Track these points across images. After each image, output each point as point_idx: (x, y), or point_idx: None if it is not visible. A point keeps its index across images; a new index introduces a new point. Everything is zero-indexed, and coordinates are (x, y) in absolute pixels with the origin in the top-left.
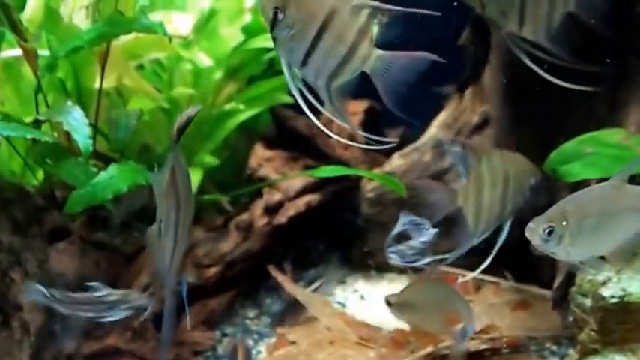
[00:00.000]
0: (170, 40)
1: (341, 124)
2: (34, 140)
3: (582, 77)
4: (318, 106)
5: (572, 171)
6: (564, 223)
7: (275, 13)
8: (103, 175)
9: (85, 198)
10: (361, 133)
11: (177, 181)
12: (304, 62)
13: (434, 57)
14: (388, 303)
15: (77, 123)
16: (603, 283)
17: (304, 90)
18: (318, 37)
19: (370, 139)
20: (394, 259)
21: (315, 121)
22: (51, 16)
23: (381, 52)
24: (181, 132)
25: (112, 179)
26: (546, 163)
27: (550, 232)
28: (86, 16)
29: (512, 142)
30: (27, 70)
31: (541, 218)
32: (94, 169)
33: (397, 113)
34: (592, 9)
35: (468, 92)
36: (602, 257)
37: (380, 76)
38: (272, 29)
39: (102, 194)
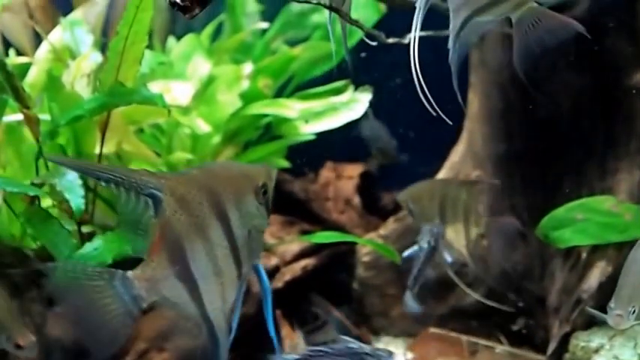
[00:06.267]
0: (169, 111)
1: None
2: (31, 203)
3: (575, 143)
4: None
5: (563, 237)
6: None
7: None
8: (88, 247)
9: None
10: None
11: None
12: None
13: (582, 29)
14: None
15: (70, 184)
16: (596, 351)
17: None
18: None
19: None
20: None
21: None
22: (53, 83)
23: (535, 5)
24: None
25: (97, 251)
26: (538, 228)
27: None
28: (87, 84)
29: (506, 207)
30: (28, 133)
31: None
32: (74, 240)
33: (520, 74)
34: None
35: (463, 157)
36: None
37: (522, 28)
38: None
39: None
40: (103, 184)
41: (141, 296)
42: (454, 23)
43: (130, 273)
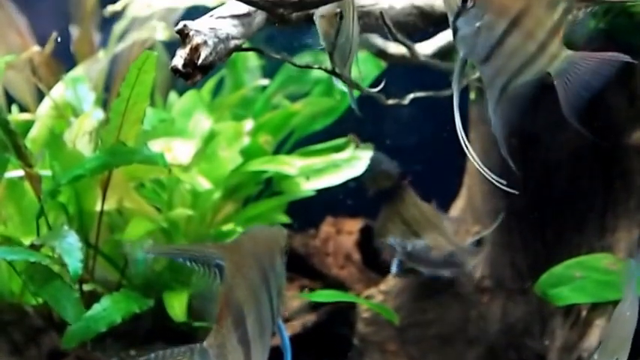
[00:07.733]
0: (170, 170)
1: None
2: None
3: (574, 200)
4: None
5: (562, 294)
6: None
7: (464, 1)
8: (96, 307)
9: (80, 334)
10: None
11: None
12: (486, 59)
13: (627, 58)
14: None
15: (70, 247)
16: None
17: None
18: (507, 32)
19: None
20: None
21: None
22: (55, 141)
23: (570, 52)
24: None
25: (106, 311)
26: (536, 286)
27: None
28: (89, 142)
29: (505, 263)
30: (29, 188)
31: None
32: (77, 295)
33: (574, 123)
34: None
35: (463, 212)
36: None
37: (563, 79)
38: (456, 19)
39: (95, 327)
40: (181, 261)
41: None
42: (492, 93)
43: (205, 344)
